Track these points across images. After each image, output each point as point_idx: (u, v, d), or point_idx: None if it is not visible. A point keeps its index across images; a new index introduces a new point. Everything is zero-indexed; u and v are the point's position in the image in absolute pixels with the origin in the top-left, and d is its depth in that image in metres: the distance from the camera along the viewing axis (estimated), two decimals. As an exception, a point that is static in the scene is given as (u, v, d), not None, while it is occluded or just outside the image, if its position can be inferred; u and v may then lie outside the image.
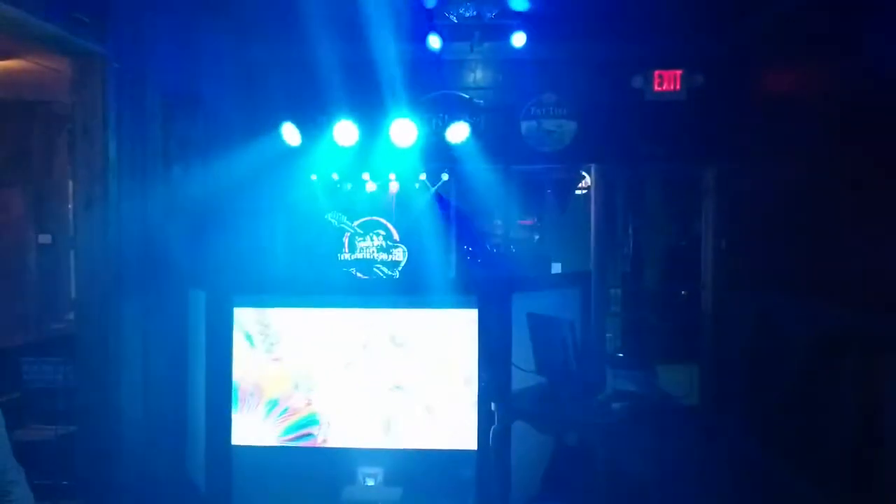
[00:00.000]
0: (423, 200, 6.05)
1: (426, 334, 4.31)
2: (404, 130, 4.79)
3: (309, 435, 4.37)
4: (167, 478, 4.54)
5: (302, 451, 4.35)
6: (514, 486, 4.16)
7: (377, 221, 6.43)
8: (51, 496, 3.80)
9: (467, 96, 5.41)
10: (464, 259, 6.33)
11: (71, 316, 5.72)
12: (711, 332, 6.26)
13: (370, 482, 4.36)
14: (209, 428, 4.30)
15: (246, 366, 4.36)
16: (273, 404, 4.38)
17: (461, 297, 4.25)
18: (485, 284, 4.36)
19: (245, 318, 4.36)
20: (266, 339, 4.38)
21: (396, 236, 6.41)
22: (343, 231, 6.43)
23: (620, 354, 7.29)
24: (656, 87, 5.87)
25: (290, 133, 4.84)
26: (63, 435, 4.23)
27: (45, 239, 5.87)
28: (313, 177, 5.90)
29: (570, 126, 5.95)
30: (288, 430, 4.38)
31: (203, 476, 4.42)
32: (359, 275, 6.44)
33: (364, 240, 6.45)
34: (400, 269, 6.47)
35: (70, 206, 5.78)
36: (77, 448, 4.15)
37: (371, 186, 6.12)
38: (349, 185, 6.04)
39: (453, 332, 4.29)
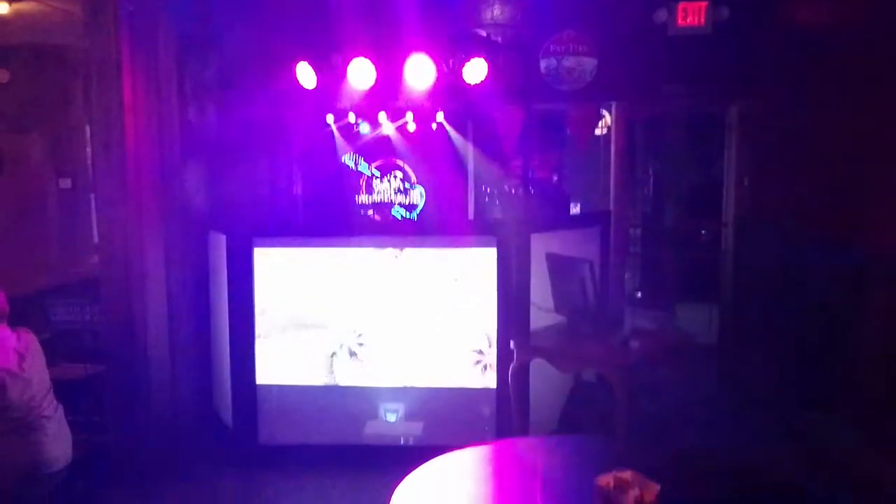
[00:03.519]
0: (440, 141, 5.99)
1: (445, 274, 4.33)
2: (421, 69, 4.70)
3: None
4: (194, 413, 4.67)
5: (325, 389, 4.43)
6: (531, 422, 4.22)
7: (394, 163, 6.40)
8: (83, 431, 3.92)
9: (485, 34, 5.29)
10: (482, 200, 6.30)
11: (94, 259, 5.81)
12: (732, 270, 6.22)
13: (391, 418, 4.45)
14: (234, 367, 4.38)
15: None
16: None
17: (480, 237, 4.25)
18: (504, 224, 4.35)
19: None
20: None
21: (414, 178, 6.38)
22: (360, 173, 6.42)
23: (639, 294, 7.30)
24: (680, 22, 5.67)
25: (304, 74, 4.77)
26: (92, 374, 4.34)
27: (65, 183, 5.91)
28: (329, 118, 5.85)
29: (591, 63, 5.81)
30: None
31: (229, 412, 4.53)
32: (376, 217, 6.45)
33: (382, 182, 6.44)
34: (418, 211, 6.47)
35: (88, 150, 5.80)
36: (106, 386, 4.28)
37: (388, 128, 6.06)
38: (368, 127, 5.98)
39: (472, 272, 4.30)
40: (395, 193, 6.41)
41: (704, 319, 6.53)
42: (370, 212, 6.43)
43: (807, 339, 5.00)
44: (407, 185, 6.40)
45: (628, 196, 6.31)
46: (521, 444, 3.20)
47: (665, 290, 7.23)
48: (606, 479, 2.18)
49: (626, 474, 2.17)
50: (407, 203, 6.39)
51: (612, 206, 6.02)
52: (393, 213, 6.44)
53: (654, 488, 2.15)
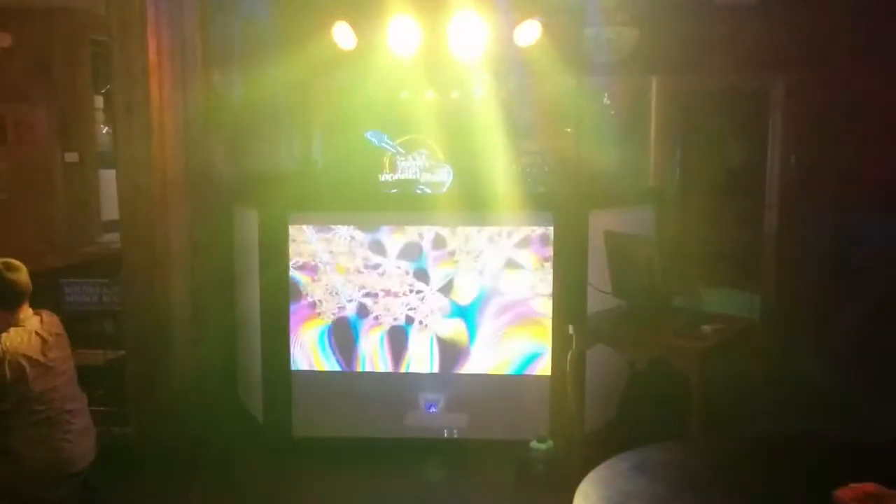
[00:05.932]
0: (474, 113, 5.61)
1: (495, 253, 4.02)
2: (470, 29, 4.32)
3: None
4: (219, 403, 4.34)
5: (362, 377, 4.12)
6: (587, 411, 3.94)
7: (420, 140, 6.04)
8: (101, 423, 3.60)
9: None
10: (517, 177, 5.95)
11: (104, 238, 5.46)
12: (776, 254, 5.95)
13: (432, 409, 4.15)
14: (266, 352, 4.05)
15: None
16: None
17: (536, 214, 3.94)
18: (560, 200, 4.04)
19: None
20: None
21: (441, 156, 6.03)
22: (384, 150, 6.06)
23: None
24: (727, -8, 5.39)
25: (343, 34, 4.41)
26: (112, 359, 4.00)
27: (71, 157, 5.53)
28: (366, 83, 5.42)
29: (632, 34, 5.50)
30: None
31: (258, 402, 4.21)
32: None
33: (406, 159, 6.08)
34: (444, 190, 6.13)
35: (98, 122, 5.45)
36: (127, 373, 3.94)
37: (428, 96, 5.68)
38: (406, 95, 5.58)
39: (523, 251, 3.99)
40: (421, 172, 6.05)
41: (739, 306, 6.26)
42: (394, 190, 6.07)
43: (862, 328, 4.75)
44: (432, 163, 6.05)
45: (669, 174, 6.02)
46: (716, 444, 2.79)
47: (690, 274, 6.95)
48: (848, 493, 1.86)
49: (868, 486, 1.85)
50: (433, 182, 6.04)
51: (651, 184, 5.74)
52: (418, 192, 6.08)
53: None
